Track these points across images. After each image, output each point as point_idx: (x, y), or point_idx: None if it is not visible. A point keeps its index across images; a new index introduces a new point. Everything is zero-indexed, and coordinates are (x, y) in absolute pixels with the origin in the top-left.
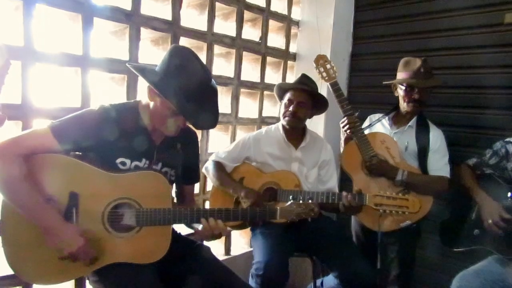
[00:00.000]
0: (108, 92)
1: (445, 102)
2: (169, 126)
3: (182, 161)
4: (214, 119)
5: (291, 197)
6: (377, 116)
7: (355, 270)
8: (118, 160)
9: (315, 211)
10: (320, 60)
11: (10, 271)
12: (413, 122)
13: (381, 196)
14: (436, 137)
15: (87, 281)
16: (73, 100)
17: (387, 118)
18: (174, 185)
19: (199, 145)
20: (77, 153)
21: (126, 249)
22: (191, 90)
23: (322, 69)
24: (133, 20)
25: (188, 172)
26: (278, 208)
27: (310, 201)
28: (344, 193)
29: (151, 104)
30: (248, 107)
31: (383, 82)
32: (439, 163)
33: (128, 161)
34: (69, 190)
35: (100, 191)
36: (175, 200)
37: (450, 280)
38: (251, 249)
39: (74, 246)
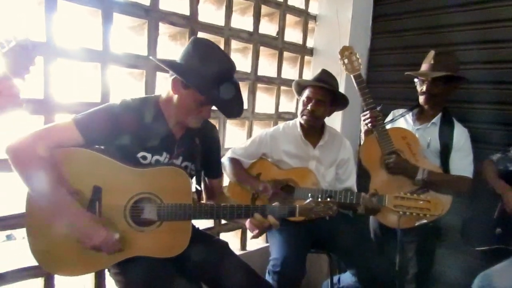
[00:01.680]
0: (127, 87)
1: (471, 98)
2: (194, 117)
3: (203, 155)
4: (241, 106)
5: (309, 195)
6: (400, 111)
7: (373, 268)
8: (139, 154)
9: (334, 209)
10: (346, 52)
11: (32, 262)
12: (437, 119)
13: (402, 197)
14: (461, 135)
15: (106, 273)
16: (93, 95)
17: (410, 113)
18: (194, 179)
19: (220, 145)
20: (99, 147)
21: (147, 243)
22: (218, 79)
23: (346, 61)
24: (152, 15)
25: (211, 166)
26: (297, 205)
27: (328, 199)
28: (363, 194)
29: (175, 97)
30: (265, 102)
31: (406, 73)
32: (462, 163)
33: (149, 155)
34: (93, 184)
35: (123, 186)
36: (203, 195)
37: (471, 280)
38: (267, 244)
39: (98, 238)
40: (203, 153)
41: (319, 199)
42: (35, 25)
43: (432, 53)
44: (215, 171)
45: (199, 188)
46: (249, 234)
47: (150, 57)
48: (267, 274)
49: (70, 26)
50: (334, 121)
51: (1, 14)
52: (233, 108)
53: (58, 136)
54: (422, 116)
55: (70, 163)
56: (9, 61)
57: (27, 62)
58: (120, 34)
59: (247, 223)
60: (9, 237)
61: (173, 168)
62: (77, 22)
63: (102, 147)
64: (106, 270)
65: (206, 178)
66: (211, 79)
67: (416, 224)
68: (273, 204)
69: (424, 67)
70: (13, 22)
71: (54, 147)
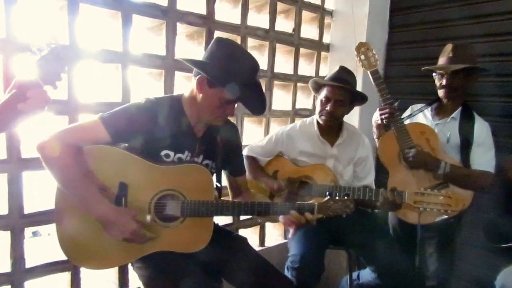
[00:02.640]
0: (146, 86)
1: (491, 92)
2: (219, 115)
3: (224, 154)
4: (264, 102)
5: (327, 193)
6: (419, 106)
7: (393, 265)
8: (163, 153)
9: (351, 208)
10: (362, 48)
11: (59, 257)
12: (456, 113)
13: (422, 193)
14: (481, 129)
15: (130, 268)
16: (114, 95)
17: (429, 108)
18: (215, 176)
19: (241, 145)
20: (124, 144)
21: (171, 239)
22: (244, 76)
23: (363, 57)
24: (170, 15)
25: (234, 164)
26: (316, 203)
27: (346, 197)
28: (382, 190)
29: (200, 96)
30: (282, 99)
31: (423, 68)
32: (483, 158)
33: (172, 153)
34: (119, 180)
35: (148, 182)
36: (229, 194)
37: (493, 276)
38: (285, 240)
39: (129, 229)
40: (224, 151)
41: (337, 197)
42: (58, 29)
43: (449, 46)
44: (239, 169)
45: (219, 185)
46: (268, 230)
47: (179, 58)
48: (286, 270)
49: (91, 28)
50: (352, 117)
51: (31, 22)
52: (258, 104)
53: (85, 133)
54: (441, 111)
55: (97, 160)
56: (41, 69)
57: (59, 70)
58: (139, 35)
59: (281, 218)
60: (35, 234)
61: (196, 165)
62: (98, 24)
63: (127, 144)
64: (130, 264)
65: (231, 176)
66: (237, 77)
67: (436, 220)
68: (293, 202)
69: (442, 60)
70: (44, 30)
71: (82, 144)
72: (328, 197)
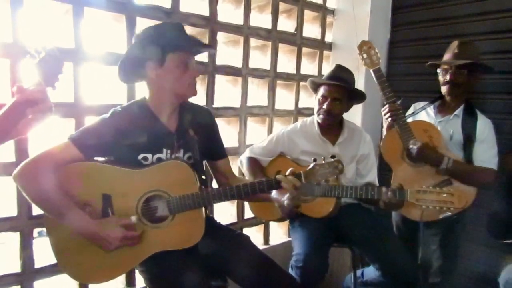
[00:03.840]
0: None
1: (494, 89)
2: (187, 82)
3: (201, 144)
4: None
5: (312, 159)
6: (421, 104)
7: (396, 262)
8: (140, 157)
9: (340, 168)
10: (364, 46)
11: None
12: (459, 111)
13: (424, 191)
14: (484, 126)
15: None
16: (119, 97)
17: (432, 106)
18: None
19: (217, 128)
20: (100, 158)
21: (165, 238)
22: (173, 32)
23: (365, 55)
24: (173, 17)
25: (212, 148)
26: (301, 172)
27: (332, 159)
28: (384, 189)
29: (159, 82)
30: (284, 98)
31: (429, 62)
32: (485, 155)
33: (149, 156)
34: (101, 193)
35: (130, 188)
36: (214, 183)
37: (497, 273)
38: (289, 239)
39: (117, 237)
40: (200, 142)
41: (323, 162)
42: (63, 32)
43: (455, 42)
44: (218, 152)
45: (203, 177)
46: (272, 228)
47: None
48: (290, 269)
49: (96, 31)
50: (355, 115)
51: (30, 25)
52: (201, 42)
53: (57, 156)
54: (444, 109)
55: (74, 178)
56: (41, 71)
57: (57, 71)
58: None
59: (274, 195)
60: (40, 233)
61: (174, 161)
62: (103, 27)
63: (103, 158)
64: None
65: (212, 162)
66: (168, 36)
67: (440, 217)
68: (277, 176)
69: (447, 56)
70: (42, 32)
71: (56, 167)
72: (313, 163)
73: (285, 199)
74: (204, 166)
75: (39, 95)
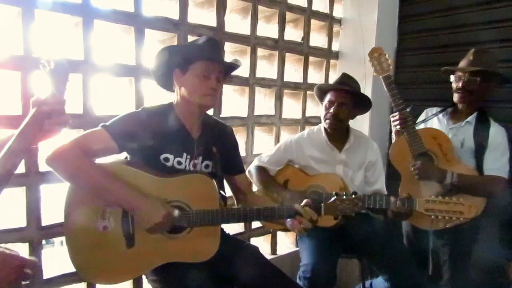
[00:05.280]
0: (159, 98)
1: (508, 97)
2: (206, 92)
3: (223, 160)
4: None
5: (334, 193)
6: (433, 110)
7: (406, 273)
8: (162, 156)
9: (359, 206)
10: (375, 53)
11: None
12: (472, 118)
13: (433, 200)
14: (497, 134)
15: (144, 280)
16: (128, 107)
17: (444, 113)
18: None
19: (237, 144)
20: (125, 157)
21: (179, 249)
22: (198, 46)
23: (376, 62)
24: (181, 28)
25: (231, 163)
26: (322, 204)
27: (354, 196)
28: (392, 198)
29: (182, 89)
30: (292, 107)
31: (443, 68)
32: (496, 163)
33: (171, 157)
34: None
35: (154, 195)
36: (234, 199)
37: (510, 284)
38: (297, 248)
39: (160, 214)
40: (222, 158)
41: (344, 197)
42: (73, 44)
43: (472, 50)
44: (236, 167)
45: (223, 193)
46: (280, 238)
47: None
48: (297, 279)
49: (105, 43)
50: (362, 124)
51: (41, 37)
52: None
53: (92, 142)
54: (456, 115)
55: None
56: (53, 81)
57: (65, 81)
58: (151, 48)
59: (289, 222)
60: (48, 242)
61: (199, 175)
62: (112, 39)
63: (128, 156)
64: (144, 277)
65: (230, 176)
66: (192, 48)
67: (448, 226)
68: (296, 206)
69: (463, 63)
70: (52, 45)
71: (90, 153)
72: (335, 196)
73: (299, 227)
74: (224, 184)
75: (58, 106)
